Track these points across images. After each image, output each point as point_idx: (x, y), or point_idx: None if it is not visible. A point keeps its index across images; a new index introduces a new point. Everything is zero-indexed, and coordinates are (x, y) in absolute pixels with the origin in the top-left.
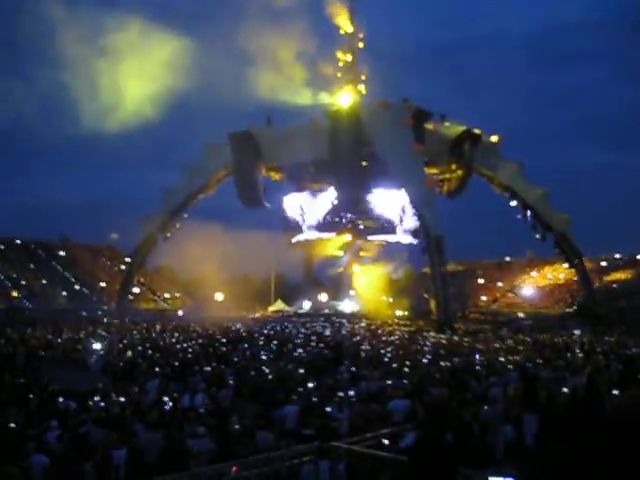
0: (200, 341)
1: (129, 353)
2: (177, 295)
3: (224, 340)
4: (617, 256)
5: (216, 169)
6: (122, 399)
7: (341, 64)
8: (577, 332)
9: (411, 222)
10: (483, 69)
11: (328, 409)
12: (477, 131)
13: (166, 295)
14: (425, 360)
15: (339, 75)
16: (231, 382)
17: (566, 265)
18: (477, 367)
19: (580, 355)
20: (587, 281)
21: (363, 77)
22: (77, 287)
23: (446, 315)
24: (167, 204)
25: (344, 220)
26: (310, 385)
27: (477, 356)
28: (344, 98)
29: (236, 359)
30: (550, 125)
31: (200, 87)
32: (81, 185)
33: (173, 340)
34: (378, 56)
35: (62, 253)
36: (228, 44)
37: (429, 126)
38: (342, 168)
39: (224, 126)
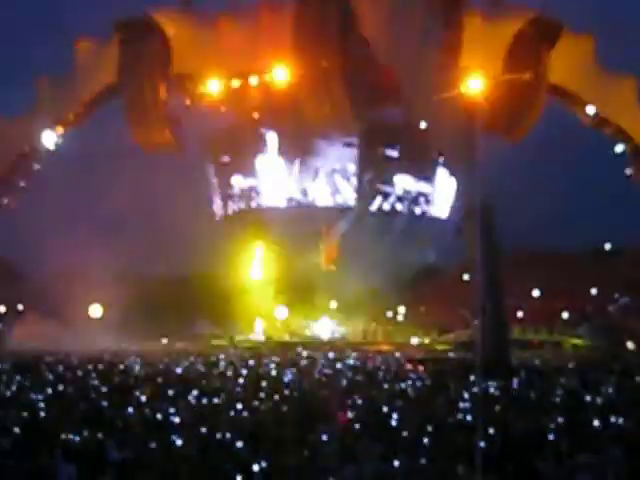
0: (61, 389)
1: None
2: (19, 308)
3: (104, 389)
4: None
5: (91, 84)
6: None
7: None
8: None
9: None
10: None
11: None
12: (556, 21)
13: (0, 309)
14: (461, 426)
15: None
16: (117, 460)
17: None
18: (551, 437)
19: None
20: None
21: None
22: None
23: (499, 346)
24: (5, 145)
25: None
26: (256, 468)
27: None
28: None
29: (126, 420)
30: None
31: None
32: None
33: (14, 388)
34: None
35: None
36: None
37: (470, 13)
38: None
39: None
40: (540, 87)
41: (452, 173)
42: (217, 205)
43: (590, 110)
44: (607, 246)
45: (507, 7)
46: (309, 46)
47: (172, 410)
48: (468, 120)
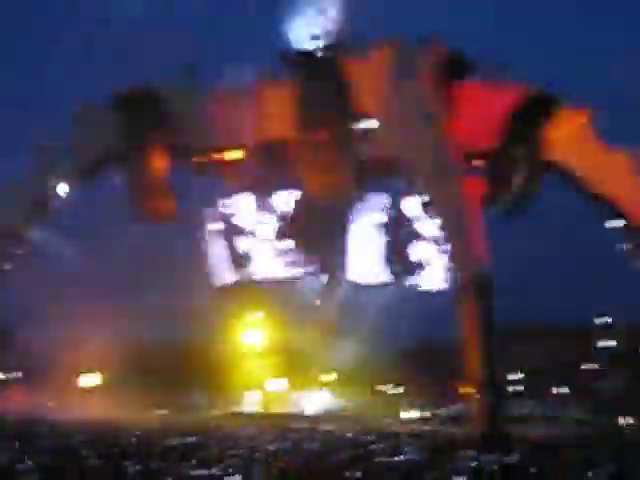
0: (52, 460)
1: None
2: (17, 375)
3: (96, 460)
4: None
5: (90, 151)
6: None
7: None
8: None
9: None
10: None
11: None
12: (556, 98)
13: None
14: None
15: None
16: None
17: None
18: None
19: None
20: None
21: None
22: None
23: (496, 420)
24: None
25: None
26: None
27: None
28: (314, 33)
29: None
30: None
31: None
32: None
33: (3, 458)
34: None
35: None
36: None
37: (472, 86)
38: (314, 155)
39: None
40: (537, 162)
41: (447, 246)
42: (214, 275)
43: (586, 186)
44: (601, 321)
45: (504, 83)
46: (308, 120)
47: None
48: (466, 194)
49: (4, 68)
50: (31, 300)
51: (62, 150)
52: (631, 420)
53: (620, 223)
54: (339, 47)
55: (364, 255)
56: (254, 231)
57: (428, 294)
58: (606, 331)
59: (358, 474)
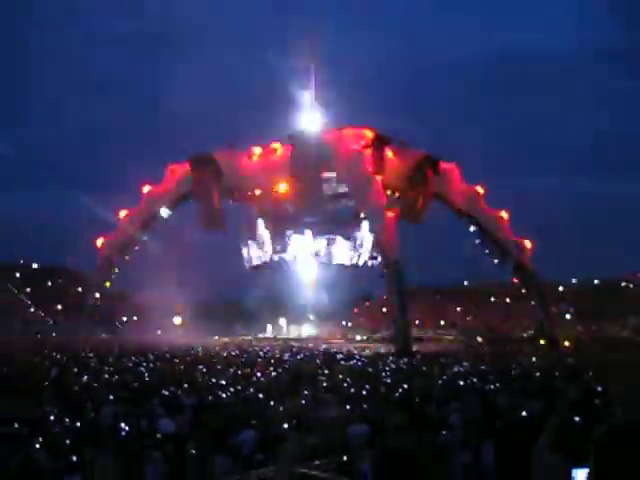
0: (158, 364)
1: (85, 378)
2: (135, 319)
3: (182, 365)
4: (574, 281)
5: (176, 191)
6: (77, 424)
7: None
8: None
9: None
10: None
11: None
12: (437, 157)
13: (124, 319)
14: (384, 384)
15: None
16: (189, 406)
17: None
18: (436, 392)
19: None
20: (545, 307)
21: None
22: (32, 310)
23: (405, 341)
24: (126, 226)
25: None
26: (269, 410)
27: (437, 381)
28: (305, 121)
29: (193, 383)
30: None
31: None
32: (32, 203)
33: (130, 364)
34: (335, 81)
35: (17, 275)
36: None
37: (389, 151)
38: (302, 189)
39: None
40: (428, 194)
41: (376, 242)
42: (246, 260)
43: (456, 206)
44: (465, 283)
45: (410, 149)
46: (299, 170)
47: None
48: (387, 213)
49: None
50: (141, 276)
51: (157, 191)
52: (481, 339)
53: (474, 228)
54: (320, 129)
55: (334, 245)
56: (263, 238)
57: (367, 269)
58: (464, 290)
59: (327, 371)
